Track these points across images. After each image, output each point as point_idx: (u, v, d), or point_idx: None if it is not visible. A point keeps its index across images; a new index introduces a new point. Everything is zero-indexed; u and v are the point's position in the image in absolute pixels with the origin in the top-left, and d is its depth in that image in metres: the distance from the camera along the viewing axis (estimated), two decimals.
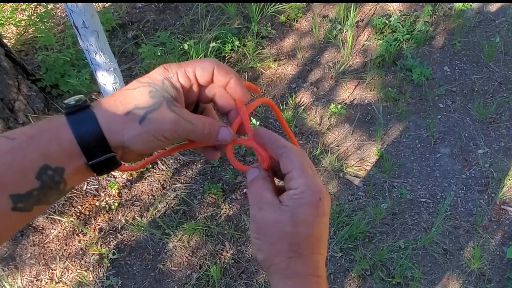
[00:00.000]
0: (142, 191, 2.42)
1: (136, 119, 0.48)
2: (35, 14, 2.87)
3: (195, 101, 0.55)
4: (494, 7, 3.21)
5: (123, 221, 2.34)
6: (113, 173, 2.42)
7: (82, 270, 2.21)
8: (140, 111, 0.48)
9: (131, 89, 0.49)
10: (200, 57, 2.76)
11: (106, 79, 2.09)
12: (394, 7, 3.19)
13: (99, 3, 3.13)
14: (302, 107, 2.78)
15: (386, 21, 3.05)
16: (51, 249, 2.25)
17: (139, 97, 0.49)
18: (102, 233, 2.30)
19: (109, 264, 2.23)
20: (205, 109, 0.58)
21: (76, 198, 2.35)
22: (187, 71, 0.52)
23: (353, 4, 3.07)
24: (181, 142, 0.57)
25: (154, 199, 2.40)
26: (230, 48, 2.89)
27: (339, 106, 2.75)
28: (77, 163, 0.48)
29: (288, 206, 0.51)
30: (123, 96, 0.49)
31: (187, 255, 2.28)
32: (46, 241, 2.26)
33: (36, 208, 0.47)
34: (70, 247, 2.26)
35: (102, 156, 0.48)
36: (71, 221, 2.28)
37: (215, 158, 0.59)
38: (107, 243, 2.28)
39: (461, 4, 3.12)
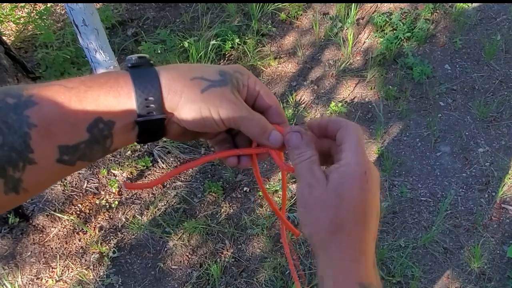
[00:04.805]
0: (142, 190, 2.42)
1: (199, 86, 0.48)
2: (34, 11, 2.86)
3: None
4: (495, 5, 3.20)
5: (124, 219, 2.34)
6: (113, 171, 2.41)
7: (82, 269, 2.21)
8: (205, 82, 0.48)
9: (202, 64, 0.51)
10: (200, 55, 2.75)
11: None
12: (394, 4, 3.18)
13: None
14: (303, 105, 2.77)
15: (387, 19, 3.04)
16: (52, 248, 2.24)
17: (208, 70, 0.49)
18: (103, 231, 2.30)
19: (109, 263, 2.23)
20: None
21: (76, 197, 2.35)
22: (256, 84, 0.54)
23: None
24: (211, 153, 0.59)
25: (155, 198, 2.39)
26: (230, 45, 2.88)
27: (340, 104, 2.74)
28: (128, 119, 0.47)
29: (333, 180, 0.50)
30: (192, 66, 0.50)
31: (187, 254, 2.28)
32: (46, 240, 2.25)
33: (79, 163, 0.46)
34: (71, 245, 2.26)
35: (153, 116, 0.47)
36: (72, 219, 2.28)
37: (235, 166, 0.58)
38: (107, 242, 2.28)
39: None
